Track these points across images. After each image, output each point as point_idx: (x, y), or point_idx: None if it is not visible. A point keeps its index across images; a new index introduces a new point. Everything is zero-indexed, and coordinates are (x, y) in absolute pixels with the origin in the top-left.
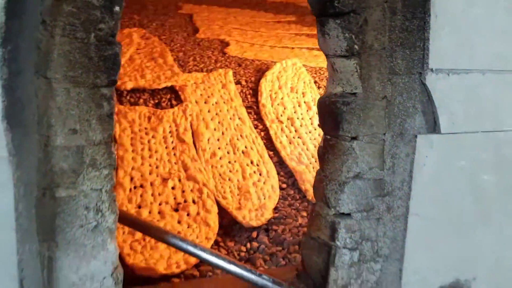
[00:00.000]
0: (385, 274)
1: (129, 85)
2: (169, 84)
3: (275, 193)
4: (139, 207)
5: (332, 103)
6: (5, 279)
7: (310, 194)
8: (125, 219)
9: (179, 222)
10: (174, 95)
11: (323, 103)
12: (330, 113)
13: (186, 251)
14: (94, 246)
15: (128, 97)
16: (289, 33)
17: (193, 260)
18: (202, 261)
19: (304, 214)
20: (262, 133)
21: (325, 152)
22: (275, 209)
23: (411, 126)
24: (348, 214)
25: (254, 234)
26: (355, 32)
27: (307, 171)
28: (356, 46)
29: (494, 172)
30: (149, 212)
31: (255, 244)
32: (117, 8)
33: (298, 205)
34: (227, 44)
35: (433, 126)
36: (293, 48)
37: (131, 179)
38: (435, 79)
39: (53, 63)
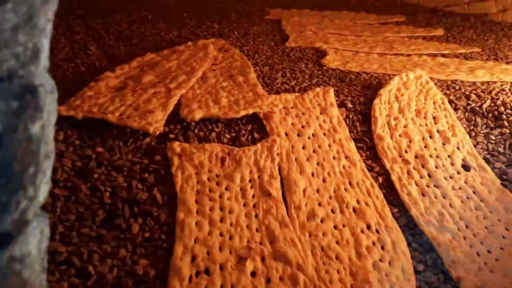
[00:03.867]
0: None
1: (198, 114)
2: (250, 111)
3: (409, 283)
4: None
5: None
6: None
7: (467, 286)
8: None
9: None
10: (257, 126)
11: None
12: None
13: None
14: None
15: (196, 131)
16: (401, 37)
17: None
18: None
19: None
20: (380, 179)
21: None
22: None
23: None
24: None
25: None
26: None
27: (456, 245)
28: None
29: None
30: None
31: None
32: None
33: None
34: (324, 53)
35: None
36: (409, 55)
37: (193, 259)
38: None
39: None
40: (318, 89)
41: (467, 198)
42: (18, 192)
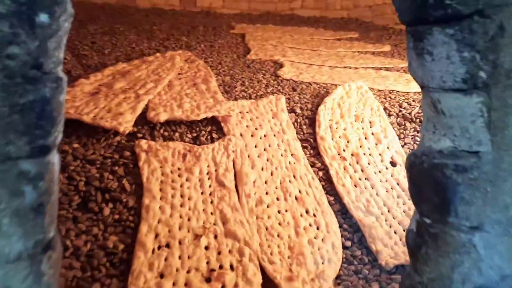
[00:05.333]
0: None
1: (163, 117)
2: (209, 114)
3: (336, 256)
4: (161, 276)
5: (436, 167)
6: None
7: (384, 258)
8: None
9: None
10: (215, 127)
11: (417, 165)
12: (433, 184)
13: None
14: None
15: (161, 131)
16: (352, 52)
17: None
18: None
19: (376, 287)
20: (320, 173)
21: (421, 244)
22: (337, 278)
23: None
24: None
25: None
26: (481, 48)
27: (377, 225)
28: (482, 74)
29: None
30: (173, 284)
31: None
32: (43, 18)
33: (367, 272)
34: (281, 65)
35: None
36: (356, 68)
37: (156, 236)
38: None
39: None
40: (271, 96)
41: (391, 188)
42: (55, 126)
